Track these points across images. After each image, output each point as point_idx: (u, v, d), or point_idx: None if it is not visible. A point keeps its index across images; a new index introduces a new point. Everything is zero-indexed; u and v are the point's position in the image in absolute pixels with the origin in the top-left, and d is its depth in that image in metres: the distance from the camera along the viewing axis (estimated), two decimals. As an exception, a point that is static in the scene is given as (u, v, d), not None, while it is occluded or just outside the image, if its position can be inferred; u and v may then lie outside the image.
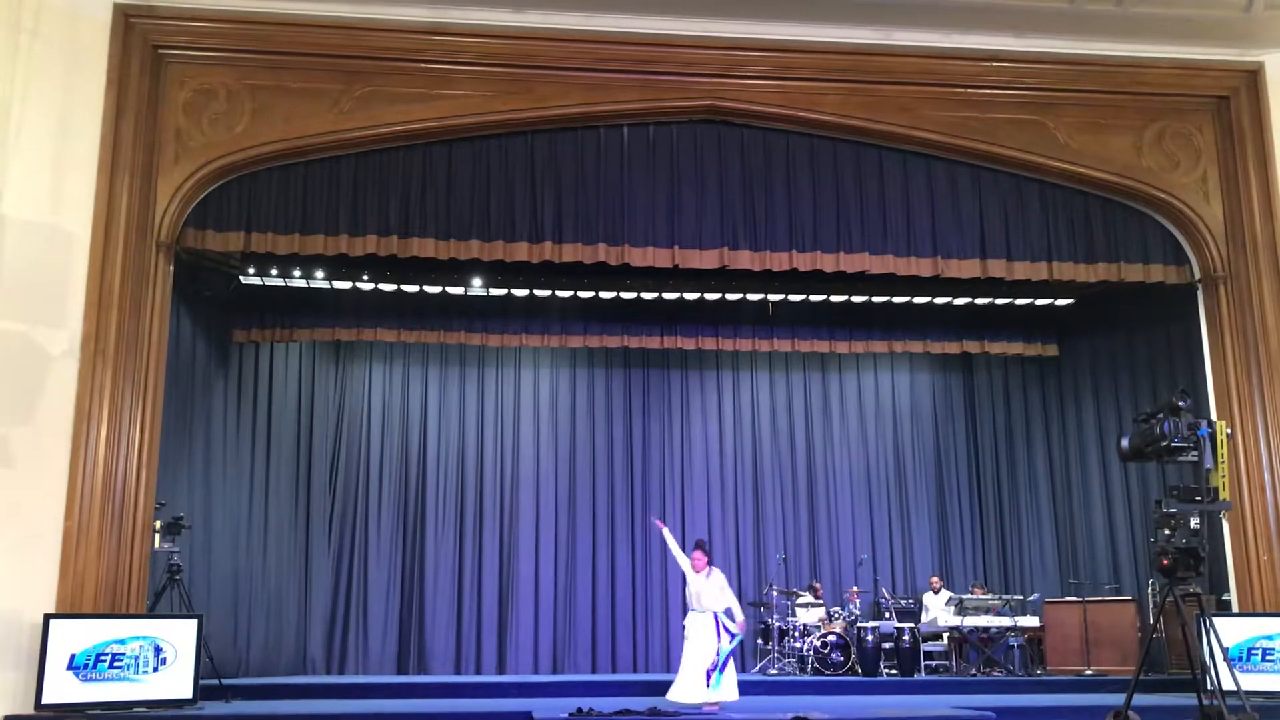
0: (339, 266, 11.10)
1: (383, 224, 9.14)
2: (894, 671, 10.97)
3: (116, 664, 7.53)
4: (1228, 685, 6.05)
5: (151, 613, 8.29)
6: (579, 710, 7.75)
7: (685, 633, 8.71)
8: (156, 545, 8.61)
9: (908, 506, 13.92)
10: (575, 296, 12.09)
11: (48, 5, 8.31)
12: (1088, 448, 12.67)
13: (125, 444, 8.11)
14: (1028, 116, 9.64)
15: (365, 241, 9.11)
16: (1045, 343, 13.04)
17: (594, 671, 12.68)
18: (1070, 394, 13.01)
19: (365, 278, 11.54)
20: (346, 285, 11.69)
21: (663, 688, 9.68)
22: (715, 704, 8.36)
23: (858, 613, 11.66)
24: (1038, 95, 9.63)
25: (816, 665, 11.01)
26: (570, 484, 13.37)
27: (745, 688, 8.76)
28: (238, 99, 8.85)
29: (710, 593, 8.64)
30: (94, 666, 7.45)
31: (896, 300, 12.24)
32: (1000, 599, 11.65)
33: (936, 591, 12.33)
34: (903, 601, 12.19)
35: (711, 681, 8.33)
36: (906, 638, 10.99)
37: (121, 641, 7.58)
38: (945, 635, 11.52)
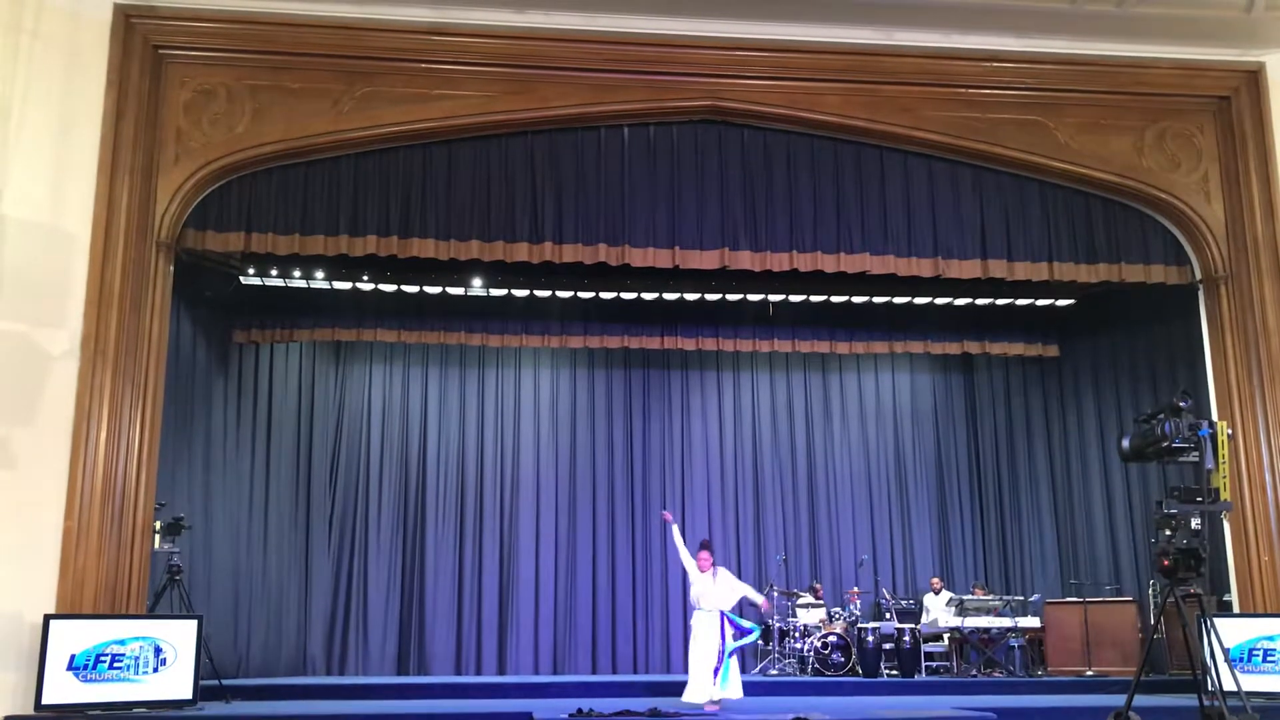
0: (339, 267, 11.10)
1: (383, 224, 9.13)
2: (895, 672, 10.97)
3: (116, 664, 7.53)
4: (1229, 686, 6.04)
5: (151, 613, 8.28)
6: (579, 711, 7.74)
7: (692, 633, 8.71)
8: (156, 546, 8.61)
9: (908, 507, 13.92)
10: (575, 297, 12.09)
11: (48, 6, 8.31)
12: (1088, 448, 12.67)
13: (125, 444, 8.11)
14: (1029, 117, 9.63)
15: (365, 242, 9.10)
16: (1046, 343, 13.03)
17: (594, 672, 12.68)
18: (1071, 394, 13.00)
19: (365, 278, 11.55)
20: (347, 286, 11.69)
21: (663, 688, 9.71)
22: (717, 703, 8.38)
23: (858, 613, 11.65)
24: (1039, 95, 9.62)
25: (817, 666, 11.01)
26: (570, 484, 13.37)
27: (746, 688, 8.76)
28: (238, 99, 8.85)
29: (718, 592, 8.66)
30: (94, 667, 7.44)
31: (897, 301, 12.23)
32: (1001, 600, 11.65)
33: (937, 592, 12.32)
34: (903, 602, 12.18)
35: (718, 680, 8.35)
36: (907, 638, 10.99)
37: (121, 642, 7.57)
38: (946, 636, 11.51)
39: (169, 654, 7.75)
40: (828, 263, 9.61)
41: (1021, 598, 11.87)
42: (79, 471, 7.87)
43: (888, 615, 11.67)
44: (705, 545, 8.93)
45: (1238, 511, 9.00)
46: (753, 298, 12.12)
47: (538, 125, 9.38)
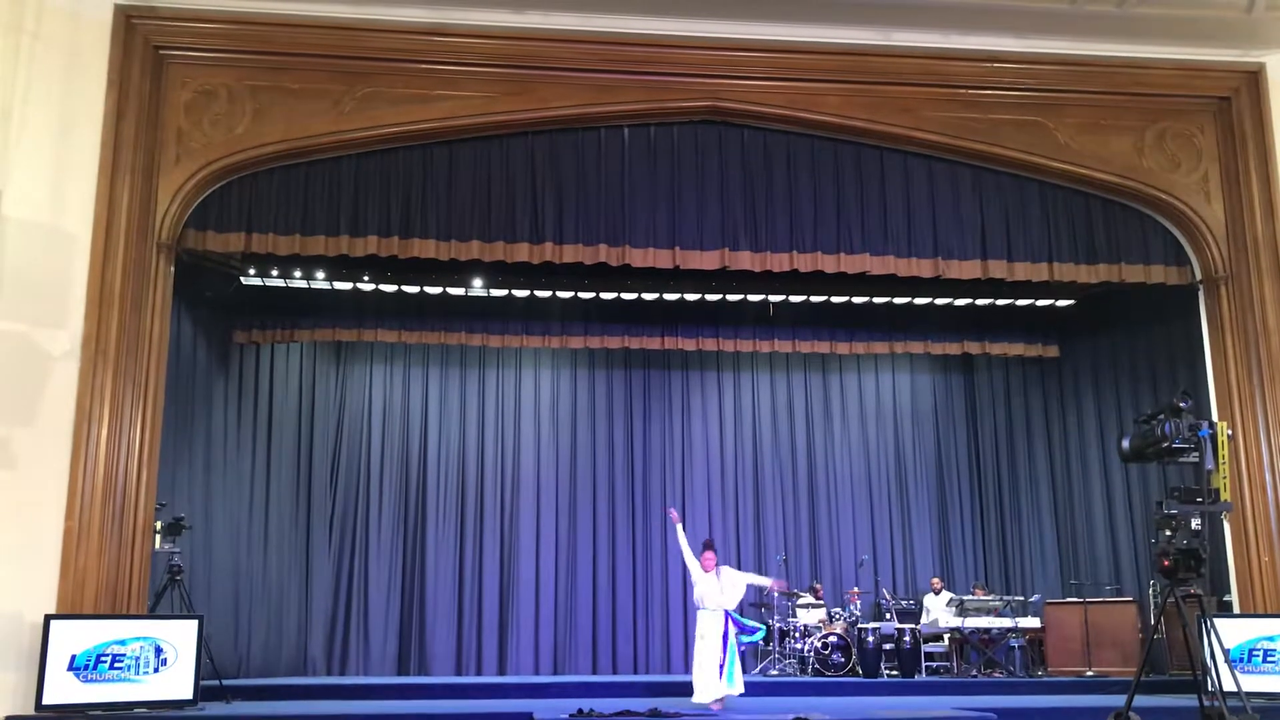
0: (340, 267, 11.11)
1: (383, 225, 9.14)
2: (895, 672, 10.97)
3: (117, 665, 7.53)
4: (1229, 686, 6.04)
5: (152, 613, 8.28)
6: (580, 711, 7.74)
7: (697, 633, 8.73)
8: (157, 546, 8.61)
9: (908, 507, 13.92)
10: (576, 297, 12.09)
11: (49, 6, 8.31)
12: (1089, 448, 12.67)
13: (126, 445, 8.11)
14: (1029, 117, 9.63)
15: (366, 242, 9.11)
16: (1046, 343, 13.03)
17: (595, 672, 12.69)
18: (1071, 395, 13.00)
19: (366, 278, 11.55)
20: (347, 286, 11.69)
21: (663, 688, 9.72)
22: (721, 700, 8.42)
23: (858, 614, 11.65)
24: (1039, 96, 9.62)
25: (817, 666, 11.01)
26: (571, 485, 13.37)
27: (746, 688, 8.78)
28: (239, 100, 8.85)
29: (724, 591, 8.70)
30: (94, 667, 7.45)
31: (897, 301, 12.23)
32: (1001, 600, 11.65)
33: (937, 592, 12.32)
34: (903, 602, 12.18)
35: (724, 677, 8.37)
36: (907, 639, 10.99)
37: (122, 642, 7.57)
38: (946, 636, 11.51)
39: (169, 654, 7.75)
40: (828, 263, 9.61)
41: (1022, 598, 11.87)
42: (79, 472, 7.87)
43: (888, 615, 11.67)
44: (709, 545, 8.97)
45: (1238, 512, 9.00)
46: (753, 298, 12.13)
47: (538, 126, 9.38)
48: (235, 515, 11.51)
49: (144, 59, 8.62)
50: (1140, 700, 6.46)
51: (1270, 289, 9.32)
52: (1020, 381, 13.75)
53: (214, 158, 8.75)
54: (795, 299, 12.15)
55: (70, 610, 7.60)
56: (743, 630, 8.76)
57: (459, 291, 11.93)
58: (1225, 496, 6.61)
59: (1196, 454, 6.47)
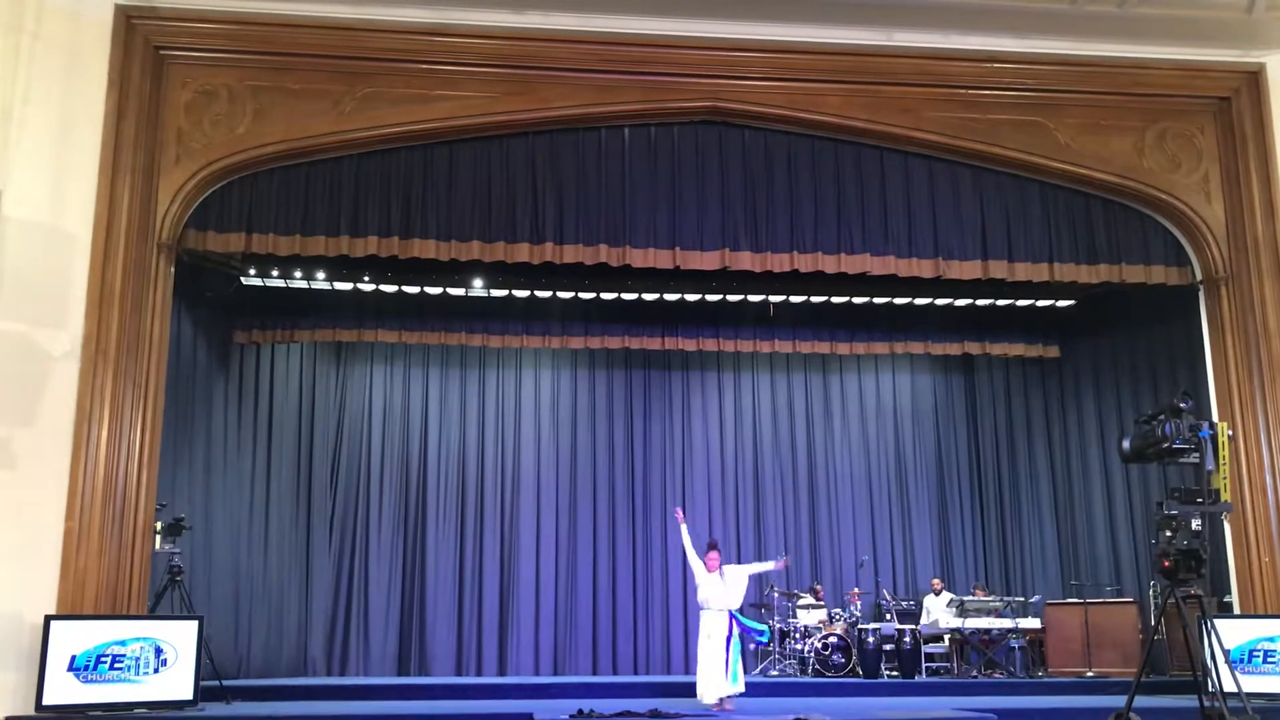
0: (340, 268, 11.11)
1: (384, 225, 9.14)
2: (895, 673, 10.97)
3: (117, 665, 7.53)
4: (1229, 687, 6.04)
5: (152, 614, 8.28)
6: (580, 712, 7.74)
7: (701, 633, 8.73)
8: (157, 546, 8.61)
9: (909, 508, 13.92)
10: (576, 298, 12.09)
11: (49, 6, 8.31)
12: (1089, 449, 12.66)
13: (126, 445, 8.11)
14: (1029, 118, 9.63)
15: (366, 243, 9.11)
16: (1046, 344, 13.03)
17: (595, 673, 12.69)
18: (1071, 395, 13.00)
19: (366, 279, 11.55)
20: (347, 286, 11.69)
21: (664, 689, 9.73)
22: (729, 700, 8.47)
23: (859, 614, 11.65)
24: (1039, 96, 9.62)
25: (817, 667, 11.01)
26: (571, 485, 13.37)
27: (746, 689, 8.77)
28: (239, 100, 8.85)
29: (727, 592, 8.72)
30: (94, 668, 7.44)
31: (898, 301, 12.23)
32: (1001, 600, 11.65)
33: (937, 593, 12.32)
34: (904, 603, 12.17)
35: (730, 676, 8.39)
36: (908, 639, 10.98)
37: (122, 643, 7.57)
38: (946, 637, 11.51)
39: (170, 655, 7.75)
40: (828, 263, 9.61)
41: (1022, 599, 11.86)
42: (80, 472, 7.87)
43: (888, 616, 11.67)
44: (713, 546, 8.99)
45: (1238, 512, 9.00)
46: (753, 298, 12.12)
47: (538, 126, 9.39)
48: (235, 516, 11.51)
49: (144, 59, 8.62)
50: (1140, 701, 6.46)
51: (1270, 289, 9.32)
52: (1020, 382, 13.75)
53: (214, 158, 8.75)
54: (795, 299, 12.15)
55: (70, 611, 7.60)
56: (748, 632, 8.80)
57: (459, 292, 11.93)
58: (1225, 497, 6.61)
59: (1197, 455, 6.47)
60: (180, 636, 7.82)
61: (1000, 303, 12.31)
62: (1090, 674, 10.61)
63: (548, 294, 11.99)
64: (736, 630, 8.68)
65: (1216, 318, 9.62)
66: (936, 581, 12.61)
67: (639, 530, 13.33)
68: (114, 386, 8.08)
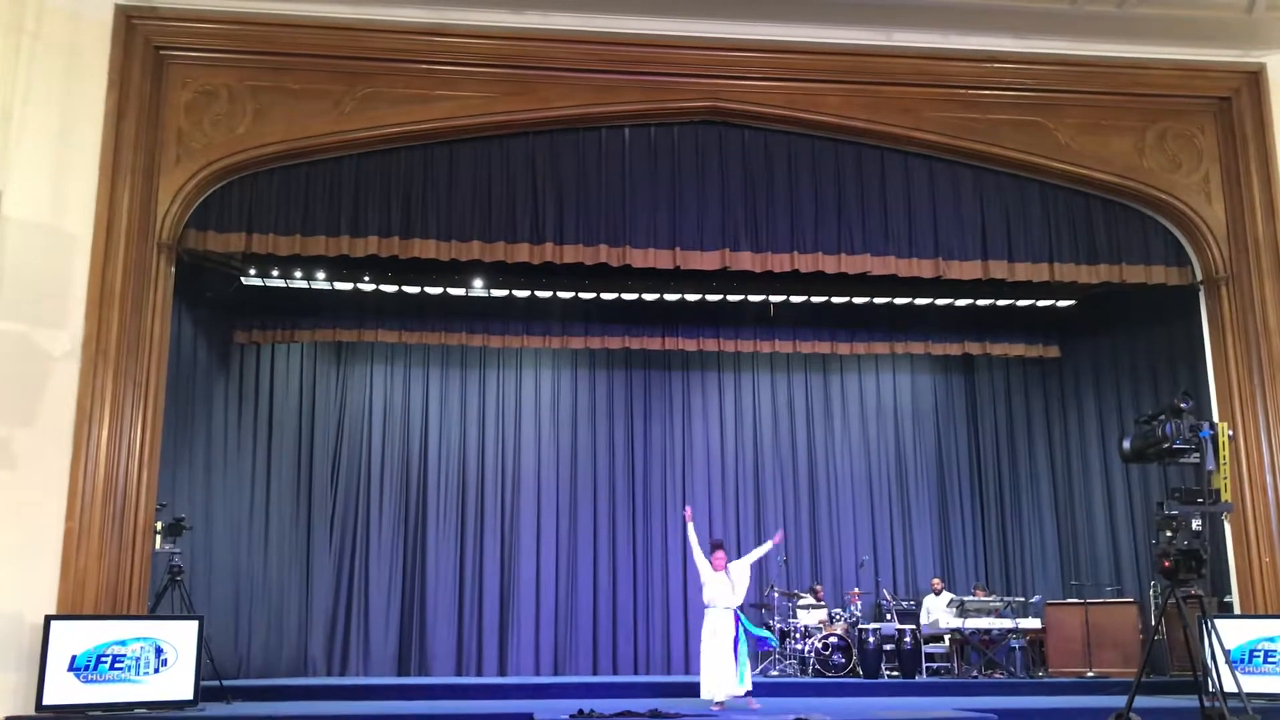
0: (340, 268, 11.11)
1: (384, 225, 9.14)
2: (895, 673, 10.97)
3: (117, 665, 7.53)
4: (1229, 687, 6.04)
5: (152, 614, 8.28)
6: (580, 712, 7.75)
7: (707, 631, 8.72)
8: (157, 546, 8.61)
9: (909, 508, 13.91)
10: (576, 298, 12.09)
11: (49, 7, 8.31)
12: (1089, 449, 12.66)
13: (126, 445, 8.11)
14: (1029, 118, 9.63)
15: (366, 243, 9.11)
16: (1047, 344, 13.03)
17: (595, 673, 12.68)
18: (1072, 395, 12.99)
19: (366, 279, 11.55)
20: (348, 286, 11.69)
21: (664, 688, 9.73)
22: (721, 704, 8.47)
23: (859, 614, 11.65)
24: (1039, 96, 9.62)
25: (818, 667, 11.01)
26: (571, 485, 13.37)
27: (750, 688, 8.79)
28: (239, 100, 8.85)
29: (735, 588, 8.76)
30: (95, 668, 7.45)
31: (898, 301, 12.23)
32: (1002, 601, 11.65)
33: (938, 593, 12.32)
34: (904, 603, 12.18)
35: (739, 675, 8.41)
36: (908, 639, 10.98)
37: (122, 643, 7.57)
38: (947, 637, 11.51)
39: (170, 655, 7.75)
40: (828, 263, 9.61)
41: (1022, 599, 11.86)
42: (80, 472, 7.87)
43: (888, 616, 11.67)
44: (718, 545, 9.03)
45: (1239, 512, 9.00)
46: (753, 298, 12.12)
47: (538, 126, 9.39)
48: (236, 516, 11.51)
49: (144, 59, 8.62)
50: (1141, 701, 6.46)
51: (1271, 289, 9.32)
52: (1021, 382, 13.75)
53: (214, 158, 8.75)
54: (796, 299, 12.15)
55: (70, 611, 7.60)
56: (756, 639, 8.85)
57: (459, 292, 11.93)
58: (1226, 497, 6.61)
59: (1197, 455, 6.47)
60: (180, 636, 7.82)
61: (1000, 303, 12.31)
62: (1091, 674, 10.61)
63: (548, 294, 11.99)
64: (742, 629, 8.68)
65: (1217, 318, 9.62)
66: (937, 581, 12.61)
67: (639, 530, 13.33)
68: (114, 386, 8.08)
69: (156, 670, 7.68)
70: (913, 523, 13.87)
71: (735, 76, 9.38)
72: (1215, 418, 9.17)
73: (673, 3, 9.02)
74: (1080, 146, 9.64)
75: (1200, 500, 6.41)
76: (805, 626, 11.45)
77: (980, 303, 12.31)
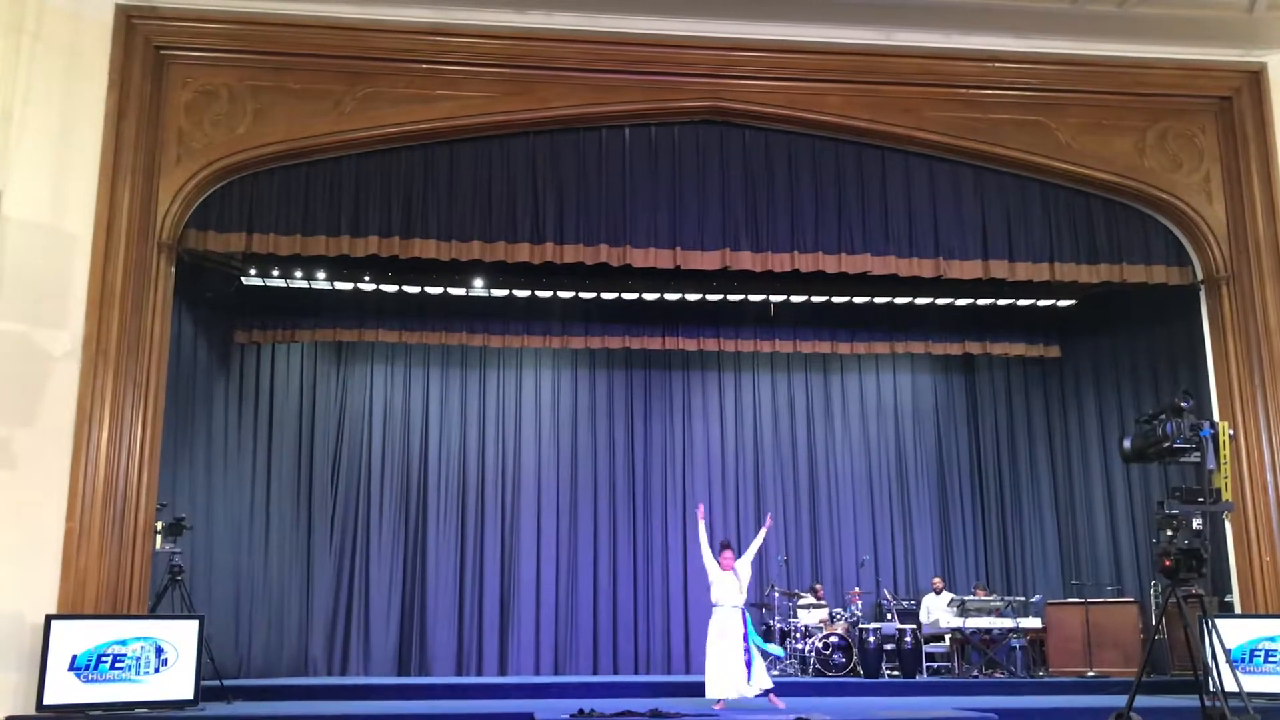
0: (341, 267, 11.11)
1: (384, 225, 9.14)
2: (896, 673, 10.96)
3: (118, 665, 7.53)
4: (1230, 687, 6.03)
5: (153, 614, 8.28)
6: (581, 711, 7.74)
7: (715, 630, 8.73)
8: (158, 546, 8.61)
9: (909, 507, 13.91)
10: (577, 297, 12.09)
11: (49, 6, 8.31)
12: (1090, 449, 12.66)
13: (127, 445, 8.11)
14: (1030, 117, 9.63)
15: (367, 242, 9.11)
16: (1047, 344, 13.03)
17: (595, 673, 12.68)
18: (1072, 395, 12.99)
19: (367, 279, 11.55)
20: (348, 286, 11.69)
21: (664, 688, 9.72)
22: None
23: (859, 614, 11.65)
24: (1040, 96, 9.62)
25: (818, 666, 11.01)
26: (571, 485, 13.37)
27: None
28: (240, 100, 8.85)
29: (742, 587, 8.77)
30: (95, 667, 7.45)
31: (898, 301, 12.23)
32: (1002, 600, 11.65)
33: (938, 593, 12.32)
34: (904, 603, 12.18)
35: (751, 675, 8.43)
36: (908, 639, 10.98)
37: (123, 642, 7.57)
38: (947, 636, 11.51)
39: (170, 654, 7.75)
40: (829, 263, 9.61)
41: (1023, 598, 11.86)
42: (80, 472, 7.87)
43: (889, 616, 11.67)
44: (726, 545, 9.03)
45: (1239, 512, 9.00)
46: (754, 298, 12.12)
47: (539, 126, 9.38)
48: (236, 515, 11.51)
49: (145, 59, 8.62)
50: (1141, 701, 6.45)
51: (1271, 289, 9.32)
52: (1021, 382, 13.75)
53: (215, 158, 8.75)
54: (796, 299, 12.15)
55: (71, 610, 7.60)
56: (764, 653, 8.89)
57: (460, 292, 11.94)
58: (1227, 496, 6.60)
59: (1198, 454, 6.46)
60: (181, 636, 7.82)
61: (1001, 302, 12.31)
62: (1091, 674, 10.61)
63: (548, 294, 11.99)
64: (751, 629, 8.71)
65: (1217, 317, 9.62)
66: (937, 581, 12.61)
67: (639, 530, 13.33)
68: (114, 386, 8.08)
69: (157, 670, 7.68)
70: (913, 522, 13.87)
71: (737, 76, 9.38)
72: (1216, 417, 9.17)
73: (676, 2, 9.01)
74: (1081, 146, 9.64)
75: (1201, 499, 6.40)
76: (806, 626, 11.45)
77: (981, 302, 12.31)
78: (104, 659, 7.48)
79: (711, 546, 9.07)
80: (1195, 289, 9.93)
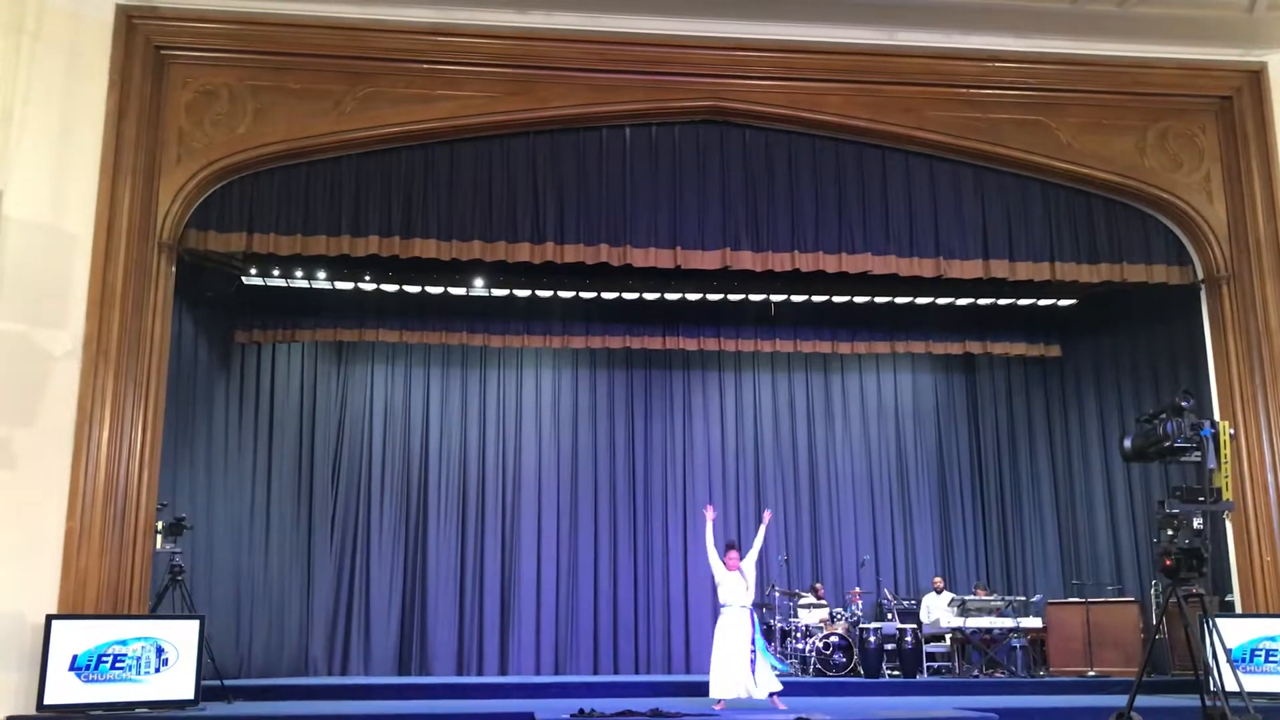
0: (341, 267, 11.10)
1: (385, 224, 9.14)
2: (896, 673, 10.96)
3: (118, 665, 7.53)
4: (1231, 686, 6.03)
5: (153, 614, 8.28)
6: (581, 711, 7.75)
7: (728, 630, 8.72)
8: (158, 546, 8.61)
9: (910, 507, 13.91)
10: (577, 297, 12.09)
11: (49, 6, 8.31)
12: (1090, 448, 12.66)
13: (127, 445, 8.11)
14: (1030, 117, 9.63)
15: (367, 242, 9.11)
16: (1048, 343, 13.02)
17: (596, 672, 12.68)
18: (1073, 394, 12.99)
19: (367, 278, 11.55)
20: (348, 286, 11.69)
21: (665, 688, 9.72)
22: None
23: (860, 614, 11.65)
24: (1040, 96, 9.62)
25: (819, 666, 11.01)
26: (572, 485, 13.37)
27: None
28: (240, 100, 8.85)
29: (749, 586, 8.77)
30: (96, 667, 7.45)
31: (899, 301, 12.22)
32: (1003, 600, 11.64)
33: (939, 592, 12.32)
34: (905, 602, 12.17)
35: (756, 677, 8.42)
36: (909, 639, 10.98)
37: (123, 642, 7.58)
38: (948, 636, 11.50)
39: (171, 654, 7.75)
40: (829, 263, 9.61)
41: (1023, 598, 11.86)
42: (81, 472, 7.88)
43: (889, 615, 11.67)
44: (731, 546, 9.03)
45: (1240, 511, 9.00)
46: (754, 298, 12.12)
47: (539, 125, 9.39)
48: (236, 515, 11.51)
49: (145, 59, 8.62)
50: (1142, 700, 6.45)
51: (1272, 289, 9.32)
52: (1022, 381, 13.75)
53: (215, 158, 8.76)
54: (797, 299, 12.14)
55: (72, 610, 7.60)
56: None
57: (460, 291, 11.93)
58: (1227, 496, 6.59)
59: (1198, 453, 6.45)
60: (181, 636, 7.82)
61: (1001, 302, 12.31)
62: (1092, 673, 10.61)
63: (549, 293, 11.99)
64: (759, 628, 8.71)
65: (1218, 317, 9.62)
66: (938, 580, 12.61)
67: (640, 530, 13.32)
68: (115, 386, 8.09)
69: (157, 670, 7.69)
70: (913, 522, 13.87)
71: (737, 76, 9.38)
72: (1216, 416, 9.17)
73: (677, 2, 9.01)
74: (1082, 146, 9.64)
75: (1201, 499, 6.39)
76: (806, 626, 11.45)
77: (981, 302, 12.31)
78: (104, 659, 7.48)
79: (716, 547, 9.06)
80: (1196, 288, 9.93)
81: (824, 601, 12.09)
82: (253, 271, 11.19)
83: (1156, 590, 10.74)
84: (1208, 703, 6.19)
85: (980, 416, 14.15)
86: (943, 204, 9.72)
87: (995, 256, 9.72)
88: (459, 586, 12.85)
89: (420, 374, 13.45)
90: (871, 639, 10.93)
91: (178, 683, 7.75)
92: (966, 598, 11.74)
